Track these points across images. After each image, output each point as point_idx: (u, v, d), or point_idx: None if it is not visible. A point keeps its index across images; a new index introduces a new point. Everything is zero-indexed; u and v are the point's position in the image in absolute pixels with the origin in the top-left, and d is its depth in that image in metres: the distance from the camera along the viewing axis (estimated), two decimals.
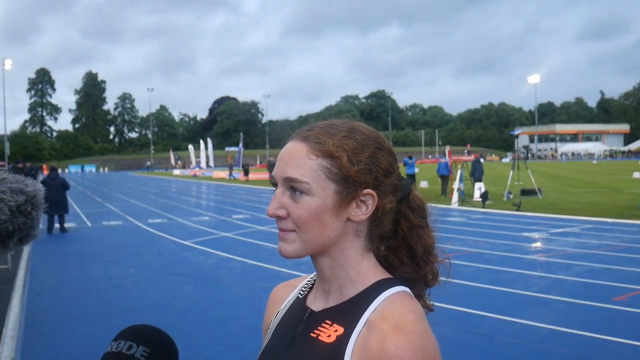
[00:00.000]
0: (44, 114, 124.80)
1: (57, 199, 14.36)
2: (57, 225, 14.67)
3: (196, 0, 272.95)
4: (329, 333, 0.97)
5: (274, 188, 1.02)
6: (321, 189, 0.96)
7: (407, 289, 1.01)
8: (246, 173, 43.03)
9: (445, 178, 22.79)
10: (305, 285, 1.14)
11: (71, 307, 7.08)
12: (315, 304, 1.06)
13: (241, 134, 66.30)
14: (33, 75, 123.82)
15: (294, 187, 0.97)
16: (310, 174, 0.96)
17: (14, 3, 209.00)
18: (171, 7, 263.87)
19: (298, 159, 0.97)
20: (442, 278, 1.09)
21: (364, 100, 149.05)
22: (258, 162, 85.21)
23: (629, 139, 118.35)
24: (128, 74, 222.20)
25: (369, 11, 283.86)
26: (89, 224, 16.50)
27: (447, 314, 6.11)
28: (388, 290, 0.98)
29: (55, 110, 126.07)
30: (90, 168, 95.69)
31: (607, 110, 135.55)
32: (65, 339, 5.82)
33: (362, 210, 0.99)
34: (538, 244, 11.07)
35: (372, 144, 1.00)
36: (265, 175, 43.04)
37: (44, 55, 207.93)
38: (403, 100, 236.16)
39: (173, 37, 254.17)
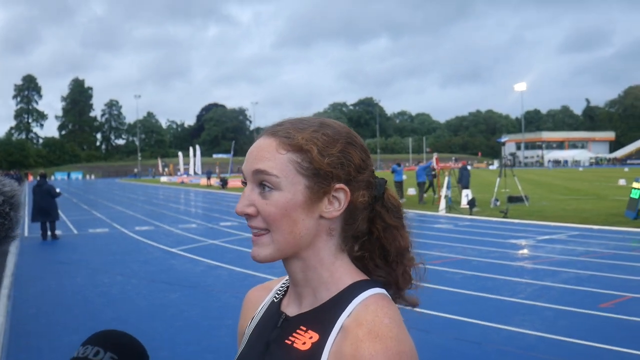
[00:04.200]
0: (30, 120, 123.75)
1: (44, 206, 14.25)
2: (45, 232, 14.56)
3: (191, 12, 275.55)
4: (304, 340, 0.95)
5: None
6: (291, 183, 0.93)
7: (384, 291, 0.98)
8: (224, 185, 42.07)
9: (422, 185, 22.76)
10: (281, 288, 1.11)
11: (56, 315, 7.01)
12: (290, 308, 1.03)
13: (233, 142, 66.18)
14: (19, 82, 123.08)
15: (263, 182, 0.94)
16: (280, 167, 0.93)
17: (9, 12, 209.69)
18: (166, 18, 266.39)
19: (267, 153, 0.95)
20: (425, 285, 1.06)
21: (352, 108, 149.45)
22: None
23: (614, 146, 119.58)
24: (118, 82, 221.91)
25: (359, 24, 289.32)
26: (75, 232, 16.36)
27: (434, 321, 6.12)
28: (363, 294, 0.95)
29: (41, 116, 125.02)
30: (76, 175, 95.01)
31: (592, 118, 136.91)
32: (51, 348, 5.76)
33: (335, 206, 0.96)
34: (525, 251, 11.13)
35: (343, 138, 0.98)
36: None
37: (34, 62, 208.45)
38: (391, 107, 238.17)
39: (165, 47, 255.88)
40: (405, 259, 1.04)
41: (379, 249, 1.03)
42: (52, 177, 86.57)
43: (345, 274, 0.99)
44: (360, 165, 0.98)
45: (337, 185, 0.95)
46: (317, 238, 0.97)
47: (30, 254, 12.10)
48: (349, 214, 0.98)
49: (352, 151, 0.98)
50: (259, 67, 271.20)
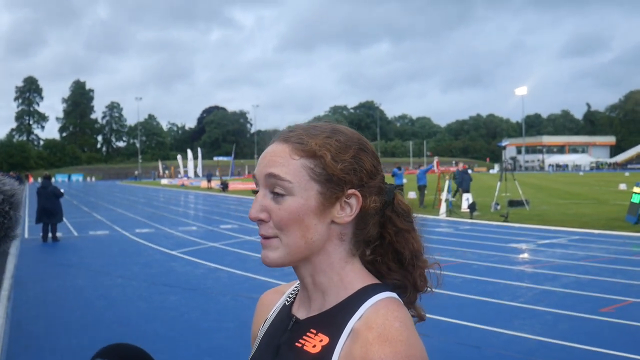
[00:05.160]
0: (31, 122, 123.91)
1: (48, 207, 14.27)
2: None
3: (195, 16, 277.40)
4: (314, 343, 0.95)
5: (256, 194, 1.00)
6: (304, 189, 0.94)
7: (395, 295, 0.97)
8: (225, 187, 41.94)
9: (422, 188, 22.71)
10: (293, 292, 1.11)
11: (57, 318, 7.01)
12: (300, 311, 1.03)
13: (234, 145, 66.39)
14: (21, 84, 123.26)
15: (276, 187, 0.94)
16: (293, 173, 0.94)
17: (13, 15, 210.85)
18: (169, 22, 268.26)
19: (281, 159, 0.95)
20: (434, 289, 1.07)
21: (352, 111, 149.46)
22: (247, 172, 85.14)
23: (614, 151, 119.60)
24: (120, 84, 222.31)
25: (361, 28, 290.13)
26: (76, 234, 16.36)
27: (435, 325, 6.11)
28: (374, 297, 0.95)
29: (42, 118, 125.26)
30: (77, 177, 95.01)
31: (593, 123, 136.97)
32: (51, 350, 5.75)
33: (347, 212, 0.96)
34: (525, 255, 11.12)
35: (356, 144, 0.98)
36: (248, 185, 42.45)
37: (37, 64, 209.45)
38: (392, 111, 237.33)
39: (168, 50, 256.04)
40: (420, 262, 1.05)
41: (392, 252, 1.03)
42: (53, 179, 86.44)
43: (356, 278, 0.99)
44: (372, 171, 0.99)
45: (350, 191, 0.96)
46: (328, 243, 0.98)
47: (30, 256, 12.10)
48: (361, 219, 0.98)
49: (364, 157, 0.98)
50: (261, 71, 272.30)
